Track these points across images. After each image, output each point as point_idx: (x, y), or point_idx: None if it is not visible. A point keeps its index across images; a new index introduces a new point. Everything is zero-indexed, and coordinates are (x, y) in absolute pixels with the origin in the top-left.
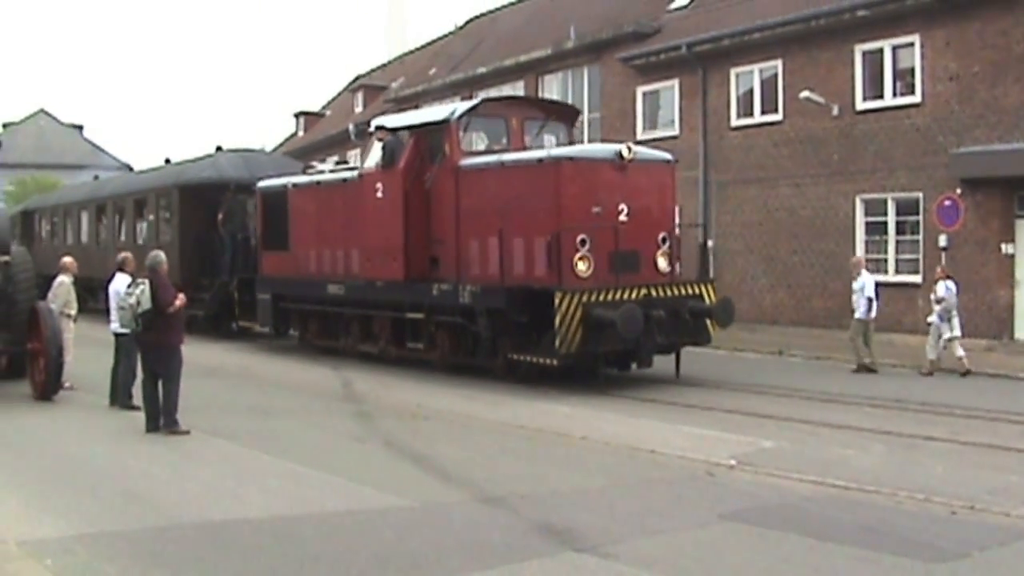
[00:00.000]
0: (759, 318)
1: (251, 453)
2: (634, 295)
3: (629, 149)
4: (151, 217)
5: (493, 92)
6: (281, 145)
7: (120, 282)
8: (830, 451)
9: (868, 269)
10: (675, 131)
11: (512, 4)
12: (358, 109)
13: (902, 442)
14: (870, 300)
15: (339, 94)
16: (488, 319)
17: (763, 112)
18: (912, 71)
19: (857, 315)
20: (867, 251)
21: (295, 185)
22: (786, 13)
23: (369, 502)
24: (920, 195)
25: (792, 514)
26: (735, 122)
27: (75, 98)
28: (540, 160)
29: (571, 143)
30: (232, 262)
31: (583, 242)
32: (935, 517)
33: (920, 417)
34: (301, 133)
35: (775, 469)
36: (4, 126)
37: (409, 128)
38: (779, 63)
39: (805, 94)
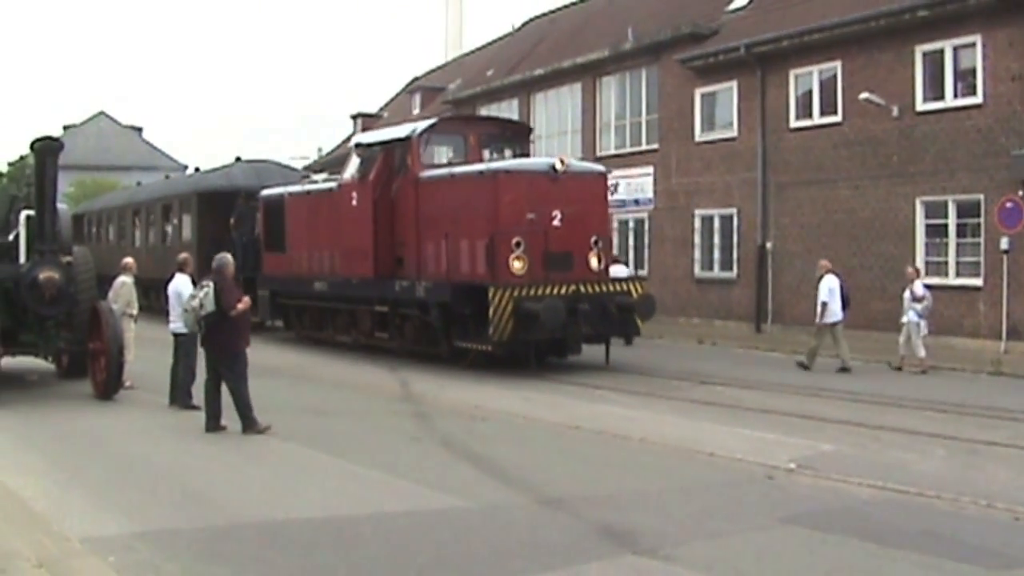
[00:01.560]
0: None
1: (309, 453)
2: (562, 291)
3: (562, 162)
4: (175, 221)
5: (551, 94)
6: (338, 147)
7: (180, 282)
8: (890, 455)
9: (834, 273)
10: (733, 132)
11: (570, 5)
12: (416, 111)
13: (963, 446)
14: (824, 304)
15: (396, 96)
16: (438, 311)
17: (822, 113)
18: (973, 71)
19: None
20: (927, 254)
21: (291, 194)
22: (845, 14)
23: (427, 503)
24: (981, 197)
25: (852, 518)
26: (794, 123)
27: (135, 100)
28: (481, 172)
29: (525, 156)
30: (242, 262)
31: (518, 244)
32: (998, 523)
33: (981, 421)
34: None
35: (835, 473)
36: (64, 128)
37: (379, 144)
38: (838, 64)
39: (865, 95)
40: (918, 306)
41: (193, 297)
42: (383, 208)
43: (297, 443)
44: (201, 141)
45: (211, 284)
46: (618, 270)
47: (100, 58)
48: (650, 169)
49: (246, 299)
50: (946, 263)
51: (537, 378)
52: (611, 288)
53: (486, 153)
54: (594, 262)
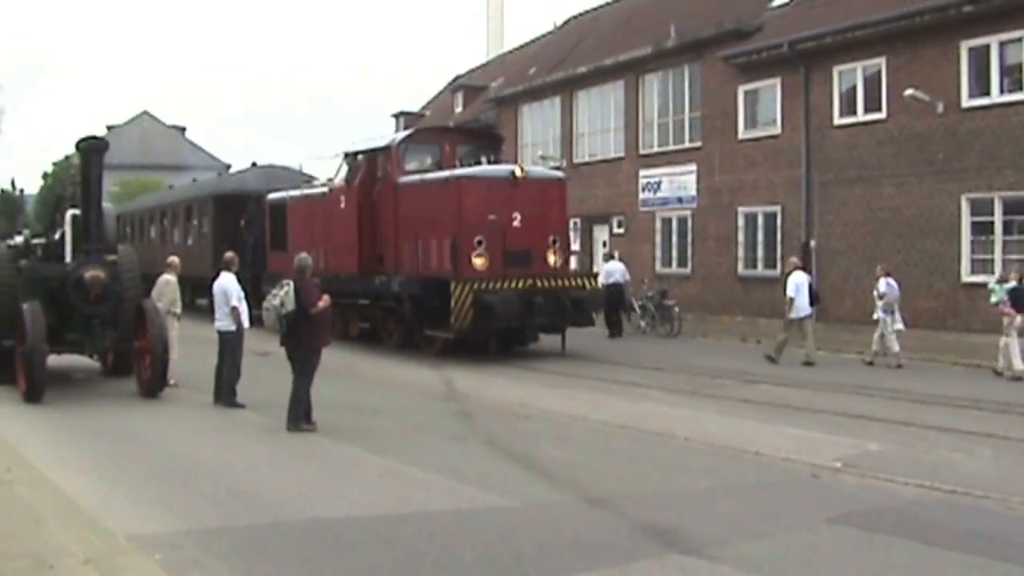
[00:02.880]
0: (862, 319)
1: (354, 451)
2: (519, 285)
3: (521, 169)
4: (195, 222)
5: (594, 92)
6: None
7: (226, 281)
8: (937, 454)
9: (802, 270)
10: (777, 130)
11: (612, 3)
12: (458, 109)
13: (1011, 446)
14: (792, 299)
15: (439, 94)
16: (410, 303)
17: (866, 110)
18: (1020, 67)
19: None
20: (972, 251)
21: (292, 197)
22: (890, 10)
23: (472, 501)
24: None
25: (900, 518)
26: (838, 120)
27: (178, 100)
28: (447, 179)
29: (497, 163)
30: (253, 260)
31: (479, 242)
32: None
33: None
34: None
35: (881, 472)
36: (108, 128)
37: (364, 152)
38: (882, 60)
39: (910, 92)
40: (880, 303)
41: (274, 296)
42: (366, 211)
43: (341, 441)
44: (243, 139)
45: (291, 283)
46: (614, 267)
47: (144, 58)
48: (693, 167)
49: (326, 298)
50: (992, 260)
51: (580, 376)
52: (566, 283)
53: (461, 160)
54: (552, 259)
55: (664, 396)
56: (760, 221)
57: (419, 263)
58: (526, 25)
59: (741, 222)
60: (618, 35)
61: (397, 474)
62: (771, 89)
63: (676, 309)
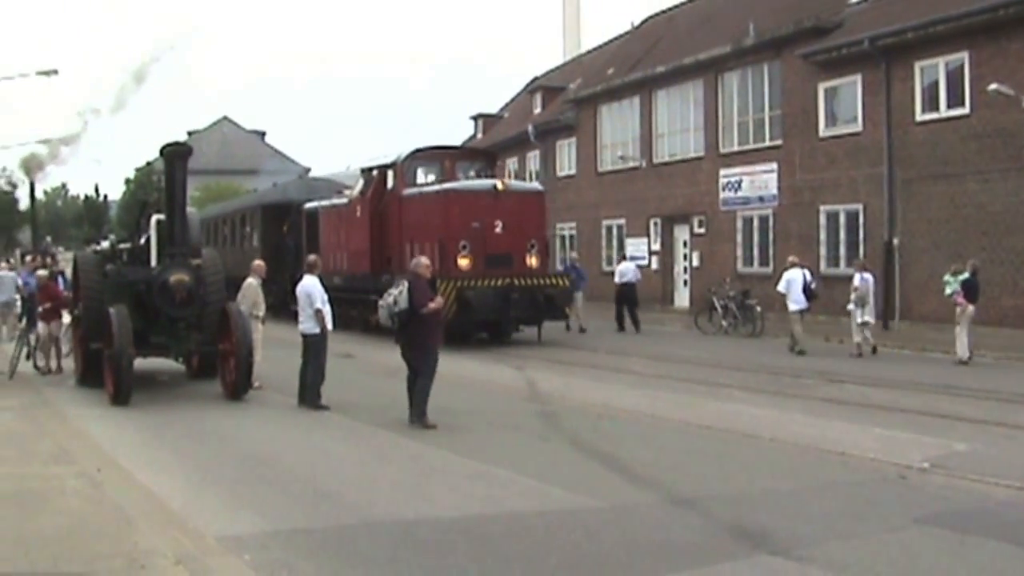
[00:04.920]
0: (947, 318)
1: (438, 452)
2: (498, 283)
3: (503, 183)
4: (247, 229)
5: (673, 91)
6: None
7: (309, 283)
8: None
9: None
10: (858, 127)
11: (689, 2)
12: (536, 111)
13: None
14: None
15: (517, 96)
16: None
17: (949, 106)
18: None
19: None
20: None
21: (323, 207)
22: (972, 3)
23: (558, 502)
24: None
25: (990, 519)
26: (920, 117)
27: (258, 105)
28: (437, 192)
29: (491, 177)
30: (293, 263)
31: (464, 246)
32: None
33: None
34: (479, 135)
35: (970, 472)
36: (189, 134)
37: (376, 168)
38: (965, 55)
39: (994, 86)
40: (852, 295)
41: (388, 295)
42: (377, 219)
43: (425, 442)
44: (322, 143)
45: (405, 283)
46: (627, 267)
47: (223, 64)
48: (773, 166)
49: (438, 299)
50: None
51: (663, 377)
52: (541, 282)
53: (460, 174)
54: (531, 261)
55: (748, 396)
56: (842, 219)
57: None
58: (602, 26)
59: (823, 221)
60: (696, 34)
61: (483, 475)
62: (852, 86)
63: (758, 309)
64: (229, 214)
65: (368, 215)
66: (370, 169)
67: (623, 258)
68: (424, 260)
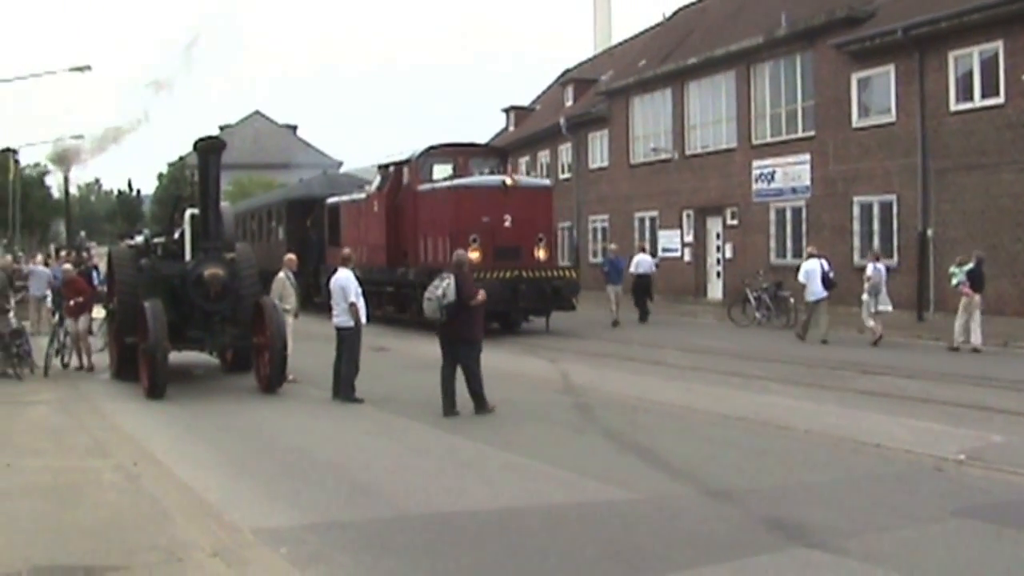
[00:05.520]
0: (986, 309)
1: (473, 445)
2: (507, 275)
3: (511, 179)
4: (274, 224)
5: (705, 82)
6: (491, 141)
7: (343, 277)
8: None
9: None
10: (891, 117)
11: None
12: (568, 103)
13: None
14: (803, 285)
15: (548, 88)
16: (421, 289)
17: (984, 96)
18: None
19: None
20: None
21: (343, 202)
22: None
23: (594, 495)
24: None
25: None
26: (954, 107)
27: (290, 99)
28: (449, 187)
29: (501, 173)
30: (317, 256)
31: (474, 240)
32: None
33: None
34: (511, 128)
35: (1007, 464)
36: (220, 128)
37: (392, 165)
38: (999, 44)
39: None
40: (866, 285)
41: (436, 287)
42: (393, 214)
43: (460, 435)
44: (355, 136)
45: (451, 276)
46: (643, 259)
47: (255, 58)
48: (806, 156)
49: (483, 292)
50: None
51: (697, 369)
52: (548, 274)
53: (474, 171)
54: (538, 253)
55: (783, 388)
56: (876, 210)
57: (427, 257)
58: (634, 17)
59: (856, 212)
60: (728, 25)
61: (518, 467)
62: (885, 76)
63: (791, 300)
64: (256, 209)
65: (385, 210)
66: (387, 166)
67: (641, 250)
68: (468, 253)
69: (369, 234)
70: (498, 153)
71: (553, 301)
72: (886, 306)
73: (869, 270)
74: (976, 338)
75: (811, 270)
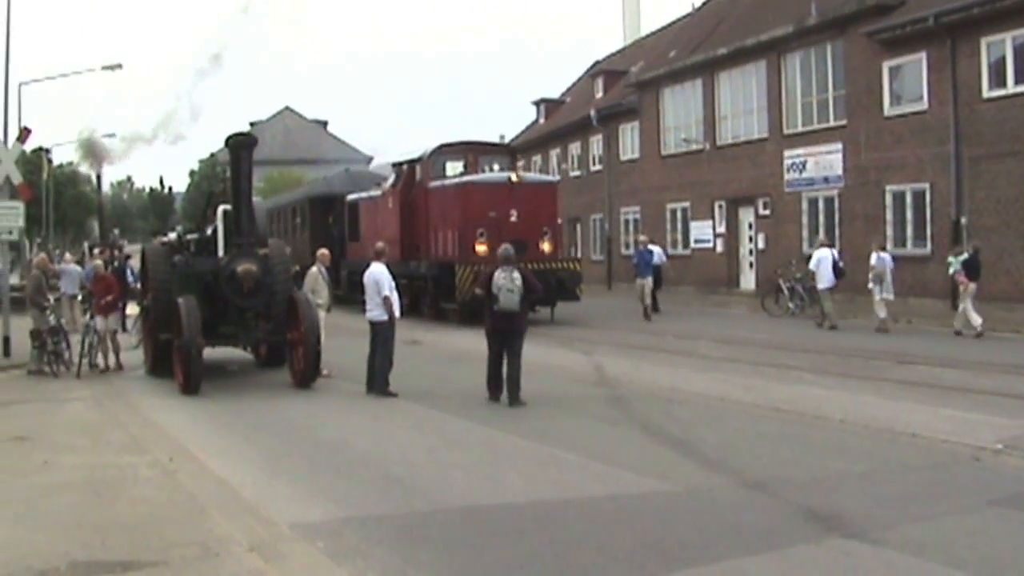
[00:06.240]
0: (1017, 297)
1: (508, 438)
2: None
3: (517, 176)
4: (297, 220)
5: (735, 73)
6: (522, 133)
7: (376, 271)
8: None
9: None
10: (924, 105)
11: None
12: (598, 95)
13: None
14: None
15: (578, 80)
16: (431, 282)
17: (1017, 82)
18: None
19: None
20: None
21: (362, 198)
22: None
23: (629, 487)
24: None
25: None
26: (987, 93)
27: (320, 94)
28: (457, 184)
29: (510, 170)
30: (338, 251)
31: (481, 234)
32: None
33: None
34: (542, 120)
35: None
36: (251, 124)
37: (406, 162)
38: None
39: None
40: (871, 274)
41: (511, 280)
42: (407, 209)
43: (494, 428)
44: (387, 130)
45: (515, 270)
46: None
47: (285, 55)
48: (838, 146)
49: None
50: None
51: (731, 360)
52: (554, 266)
53: (484, 167)
54: (544, 246)
55: (817, 378)
56: (908, 199)
57: (438, 250)
58: (663, 8)
59: (889, 200)
60: (758, 15)
61: (554, 460)
62: (916, 64)
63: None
64: (281, 207)
65: (399, 206)
66: (400, 163)
67: (650, 242)
68: (512, 248)
69: (385, 229)
70: (508, 151)
71: (558, 292)
72: (888, 294)
73: (873, 259)
74: (975, 320)
75: (823, 259)
